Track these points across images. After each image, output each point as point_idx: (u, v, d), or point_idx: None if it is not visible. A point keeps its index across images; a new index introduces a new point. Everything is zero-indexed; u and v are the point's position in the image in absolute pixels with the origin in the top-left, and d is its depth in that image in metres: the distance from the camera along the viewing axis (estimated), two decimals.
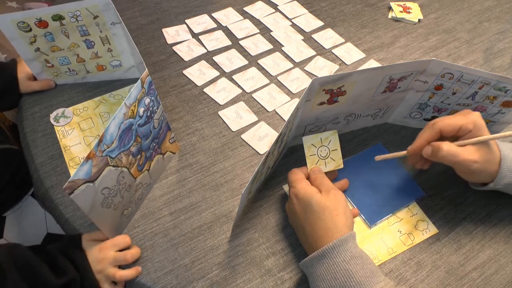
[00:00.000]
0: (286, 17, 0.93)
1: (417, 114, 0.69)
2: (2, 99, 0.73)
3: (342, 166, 0.61)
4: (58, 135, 0.70)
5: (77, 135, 0.70)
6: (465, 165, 0.53)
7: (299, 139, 0.66)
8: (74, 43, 0.69)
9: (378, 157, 0.59)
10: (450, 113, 0.67)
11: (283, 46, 0.86)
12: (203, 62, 0.83)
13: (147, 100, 0.53)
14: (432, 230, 0.60)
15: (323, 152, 0.61)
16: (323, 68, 0.82)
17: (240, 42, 0.87)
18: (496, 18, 0.95)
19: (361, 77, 0.56)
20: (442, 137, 0.55)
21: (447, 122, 0.54)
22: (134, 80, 0.78)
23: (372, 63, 0.84)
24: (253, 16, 0.93)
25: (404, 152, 0.58)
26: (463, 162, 0.52)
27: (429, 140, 0.55)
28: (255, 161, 0.68)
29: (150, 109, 0.54)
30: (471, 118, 0.53)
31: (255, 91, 0.78)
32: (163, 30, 0.89)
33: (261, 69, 0.82)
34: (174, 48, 0.85)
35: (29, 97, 0.75)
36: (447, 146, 0.52)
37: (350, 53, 0.85)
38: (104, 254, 0.55)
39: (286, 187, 0.65)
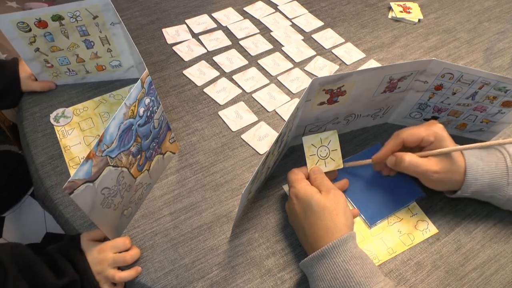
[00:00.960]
0: (286, 17, 0.93)
1: (417, 114, 0.69)
2: (4, 97, 0.73)
3: (342, 166, 0.61)
4: (58, 135, 0.70)
5: (77, 135, 0.70)
6: (426, 176, 0.55)
7: (299, 139, 0.66)
8: (74, 43, 0.69)
9: (347, 164, 0.63)
10: (449, 113, 0.67)
11: (283, 46, 0.86)
12: (203, 62, 0.83)
13: (147, 100, 0.53)
14: (432, 230, 0.60)
15: (323, 152, 0.61)
16: (323, 68, 0.82)
17: (240, 42, 0.87)
18: (496, 18, 0.95)
19: (361, 77, 0.56)
20: (407, 147, 0.58)
21: (409, 132, 0.57)
22: (134, 80, 0.78)
23: (372, 63, 0.84)
24: (253, 16, 0.93)
25: (369, 160, 0.62)
26: (424, 173, 0.55)
27: (393, 150, 0.58)
28: (255, 161, 0.68)
29: (150, 109, 0.54)
30: (432, 130, 0.56)
31: (255, 91, 0.78)
32: (163, 30, 0.89)
33: (261, 69, 0.82)
34: (174, 48, 0.85)
35: (29, 97, 0.75)
36: (409, 157, 0.56)
37: (350, 53, 0.85)
38: (103, 256, 0.55)
39: (286, 187, 0.65)
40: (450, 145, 0.55)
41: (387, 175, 0.63)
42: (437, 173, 0.54)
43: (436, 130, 0.56)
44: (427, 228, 0.60)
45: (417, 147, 0.57)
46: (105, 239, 0.57)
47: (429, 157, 0.56)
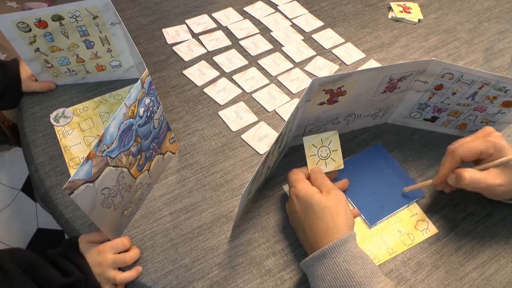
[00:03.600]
0: (286, 17, 0.93)
1: (417, 114, 0.69)
2: (5, 97, 0.73)
3: (342, 166, 0.61)
4: (58, 135, 0.70)
5: (77, 135, 0.70)
6: (490, 190, 0.53)
7: (299, 139, 0.66)
8: (74, 43, 0.69)
9: (406, 189, 0.62)
10: (449, 113, 0.67)
11: (283, 46, 0.86)
12: (203, 62, 0.83)
13: (147, 100, 0.53)
14: (432, 230, 0.60)
15: (324, 153, 0.61)
16: (323, 68, 0.82)
17: (240, 42, 0.87)
18: (496, 18, 0.95)
19: (361, 77, 0.56)
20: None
21: (467, 148, 0.53)
22: (134, 80, 0.78)
23: (372, 63, 0.84)
24: (253, 16, 0.93)
25: (430, 182, 0.59)
26: (487, 188, 0.52)
27: (451, 168, 0.55)
28: (255, 161, 0.68)
29: (150, 109, 0.54)
30: (491, 142, 0.53)
31: (255, 91, 0.78)
32: (163, 30, 0.89)
33: (261, 69, 0.82)
34: (174, 48, 0.85)
35: (29, 97, 0.75)
36: (469, 174, 0.52)
37: (350, 53, 0.85)
38: (102, 257, 0.55)
39: (286, 187, 0.65)
40: (510, 153, 0.52)
41: (450, 191, 0.60)
42: (502, 185, 0.52)
43: (494, 140, 0.53)
44: (427, 228, 0.60)
45: (475, 160, 0.55)
46: (103, 241, 0.57)
47: (489, 169, 0.53)
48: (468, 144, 0.54)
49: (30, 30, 0.65)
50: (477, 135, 0.55)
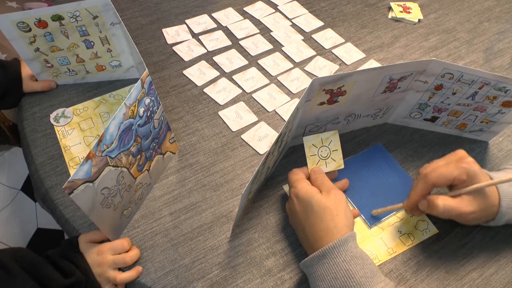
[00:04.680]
0: (286, 17, 0.93)
1: (417, 114, 0.69)
2: (6, 97, 0.73)
3: (342, 166, 0.61)
4: (58, 135, 0.70)
5: (77, 135, 0.70)
6: (462, 218, 0.53)
7: (299, 139, 0.66)
8: (74, 43, 0.69)
9: (375, 211, 0.61)
10: (449, 113, 0.67)
11: (283, 46, 0.86)
12: (203, 62, 0.83)
13: (147, 100, 0.53)
14: (432, 230, 0.60)
15: (324, 153, 0.61)
16: (323, 68, 0.82)
17: (240, 42, 0.87)
18: (496, 18, 0.95)
19: (361, 77, 0.56)
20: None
21: (439, 174, 0.52)
22: (134, 80, 0.78)
23: (372, 63, 0.84)
24: (253, 16, 0.93)
25: (400, 205, 0.58)
26: (460, 215, 0.52)
27: (423, 194, 0.54)
28: (255, 161, 0.68)
29: (150, 109, 0.54)
30: (464, 168, 0.51)
31: (255, 91, 0.78)
32: (163, 30, 0.89)
33: (261, 69, 0.82)
34: (174, 48, 0.85)
35: (29, 97, 0.75)
36: (442, 202, 0.52)
37: (350, 53, 0.85)
38: (102, 258, 0.54)
39: (286, 187, 0.65)
40: (483, 179, 0.51)
41: (419, 215, 0.59)
42: (474, 213, 0.51)
43: (467, 166, 0.51)
44: (427, 228, 0.60)
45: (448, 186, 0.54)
46: (103, 240, 0.57)
47: (462, 196, 0.52)
48: (440, 170, 0.52)
49: (30, 30, 0.65)
50: (450, 159, 0.54)
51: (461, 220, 0.54)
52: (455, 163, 0.52)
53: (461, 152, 0.54)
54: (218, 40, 0.87)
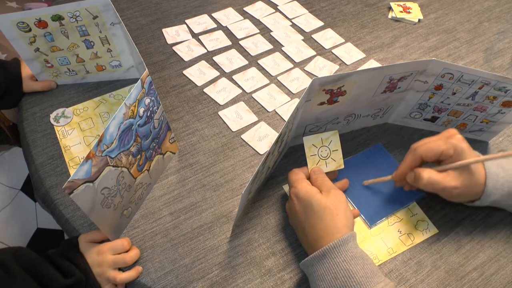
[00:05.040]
0: (286, 17, 0.93)
1: (417, 114, 0.69)
2: (6, 97, 0.73)
3: (343, 166, 0.61)
4: (58, 135, 0.70)
5: (77, 135, 0.70)
6: (446, 192, 0.54)
7: (299, 139, 0.66)
8: (74, 43, 0.69)
9: (366, 182, 0.62)
10: (449, 113, 0.67)
11: (283, 46, 0.86)
12: (203, 62, 0.83)
13: (147, 100, 0.53)
14: (432, 230, 0.60)
15: (324, 153, 0.61)
16: (323, 68, 0.82)
17: (240, 42, 0.87)
18: (496, 18, 0.95)
19: (361, 77, 0.56)
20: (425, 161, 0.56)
21: (427, 147, 0.54)
22: (134, 80, 0.78)
23: (372, 63, 0.84)
24: (253, 16, 0.93)
25: (389, 177, 0.60)
26: (444, 190, 0.54)
27: (411, 166, 0.56)
28: (255, 161, 0.68)
29: (150, 109, 0.54)
30: (451, 143, 0.53)
31: (255, 91, 0.78)
32: (163, 30, 0.89)
33: (261, 69, 0.82)
34: (174, 48, 0.85)
35: (29, 97, 0.75)
36: (427, 174, 0.53)
37: (350, 53, 0.85)
38: (102, 258, 0.54)
39: (286, 187, 0.65)
40: (469, 156, 0.52)
41: (409, 190, 0.61)
42: (457, 188, 0.53)
43: (455, 142, 0.53)
44: (427, 228, 0.60)
45: (435, 160, 0.55)
46: (103, 240, 0.57)
47: (448, 171, 0.53)
48: (429, 144, 0.54)
49: (30, 30, 0.65)
50: (441, 136, 0.55)
51: (445, 195, 0.55)
52: (445, 138, 0.54)
53: (452, 130, 0.56)
54: (218, 40, 0.87)
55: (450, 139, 0.54)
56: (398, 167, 0.58)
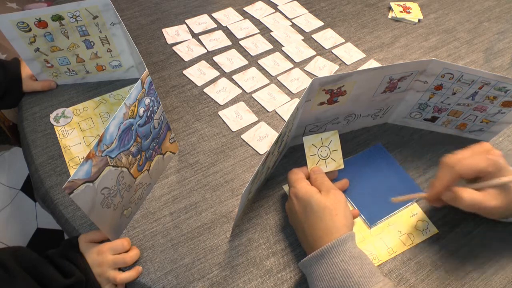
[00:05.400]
0: (286, 17, 0.93)
1: (417, 114, 0.69)
2: (6, 97, 0.73)
3: (342, 166, 0.61)
4: (58, 135, 0.70)
5: (77, 135, 0.70)
6: (487, 212, 0.52)
7: (299, 139, 0.66)
8: (74, 43, 0.69)
9: (395, 199, 0.58)
10: (449, 113, 0.67)
11: (283, 46, 0.86)
12: (203, 62, 0.83)
13: (147, 100, 0.53)
14: (432, 230, 0.60)
15: (324, 152, 0.61)
16: (323, 68, 0.82)
17: (240, 42, 0.87)
18: (496, 18, 0.95)
19: (361, 77, 0.56)
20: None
21: (468, 165, 0.51)
22: (134, 80, 0.78)
23: (372, 63, 0.84)
24: (253, 16, 0.93)
25: (423, 195, 0.56)
26: (485, 209, 0.51)
27: (449, 185, 0.53)
28: (255, 161, 0.68)
29: (150, 109, 0.54)
30: (492, 160, 0.51)
31: (255, 91, 0.78)
32: (163, 30, 0.89)
33: (261, 69, 0.82)
34: (174, 48, 0.85)
35: (29, 97, 0.75)
36: (468, 195, 0.51)
37: (350, 53, 0.85)
38: (102, 258, 0.54)
39: (286, 187, 0.65)
40: (508, 173, 0.50)
41: (440, 206, 0.58)
42: (499, 208, 0.51)
43: (495, 159, 0.51)
44: (427, 228, 0.60)
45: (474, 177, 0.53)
46: (103, 240, 0.57)
47: (487, 190, 0.51)
48: (468, 161, 0.51)
49: (30, 30, 0.65)
50: (475, 150, 0.53)
51: (484, 214, 0.53)
52: (482, 154, 0.51)
53: (486, 145, 0.53)
54: (218, 40, 0.87)
55: (489, 155, 0.51)
56: (432, 185, 0.54)
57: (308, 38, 0.88)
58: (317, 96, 0.56)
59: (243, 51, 0.85)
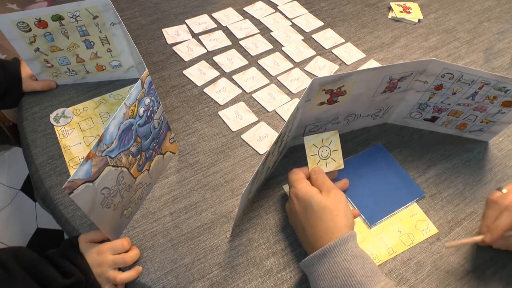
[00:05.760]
0: (286, 17, 0.93)
1: (417, 114, 0.69)
2: (6, 97, 0.73)
3: (343, 166, 0.61)
4: (58, 135, 0.70)
5: (77, 135, 0.70)
6: None
7: (299, 139, 0.66)
8: (74, 43, 0.69)
9: (449, 244, 0.55)
10: (449, 113, 0.67)
11: (283, 46, 0.86)
12: (203, 62, 0.83)
13: (147, 100, 0.53)
14: (432, 230, 0.60)
15: (325, 153, 0.61)
16: (323, 68, 0.82)
17: (240, 42, 0.87)
18: (496, 18, 0.95)
19: (361, 77, 0.56)
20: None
21: None
22: (134, 80, 0.78)
23: (372, 63, 0.84)
24: (253, 16, 0.93)
25: (480, 239, 0.55)
26: None
27: (508, 229, 0.53)
28: (255, 161, 0.68)
29: (150, 109, 0.54)
30: None
31: (255, 91, 0.78)
32: (163, 30, 0.89)
33: (261, 69, 0.82)
34: (174, 48, 0.85)
35: (29, 97, 0.75)
36: None
37: (350, 53, 0.85)
38: (102, 258, 0.54)
39: (286, 187, 0.65)
40: None
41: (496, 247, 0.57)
42: None
43: None
44: (427, 228, 0.60)
45: None
46: (103, 240, 0.57)
47: None
48: None
49: (30, 30, 0.65)
50: None
51: None
52: None
53: None
54: (218, 40, 0.87)
55: None
56: (489, 227, 0.54)
57: (308, 38, 0.88)
58: (317, 96, 0.56)
59: (243, 51, 0.85)
